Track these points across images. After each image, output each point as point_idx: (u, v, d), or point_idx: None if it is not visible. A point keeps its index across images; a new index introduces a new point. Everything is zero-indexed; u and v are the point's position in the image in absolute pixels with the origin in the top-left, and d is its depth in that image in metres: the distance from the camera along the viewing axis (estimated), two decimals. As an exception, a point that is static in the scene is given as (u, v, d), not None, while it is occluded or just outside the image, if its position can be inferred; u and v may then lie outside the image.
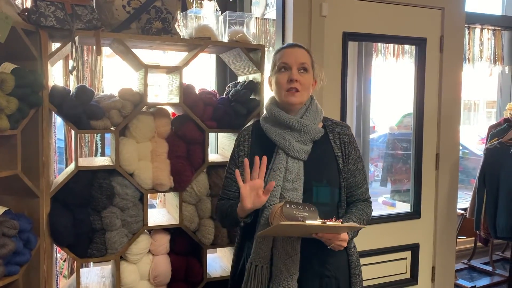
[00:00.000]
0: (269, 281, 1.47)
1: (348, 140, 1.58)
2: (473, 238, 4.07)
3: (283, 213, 1.32)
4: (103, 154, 2.61)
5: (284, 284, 1.43)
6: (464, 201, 4.68)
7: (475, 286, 3.69)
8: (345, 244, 1.40)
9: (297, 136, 1.51)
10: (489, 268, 4.04)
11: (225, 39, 2.15)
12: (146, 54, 2.32)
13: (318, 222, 1.31)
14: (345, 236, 1.39)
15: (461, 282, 3.73)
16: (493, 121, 3.88)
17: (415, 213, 2.98)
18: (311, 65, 1.56)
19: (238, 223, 1.50)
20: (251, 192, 1.40)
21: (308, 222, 1.30)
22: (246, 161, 1.44)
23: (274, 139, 1.52)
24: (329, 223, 1.31)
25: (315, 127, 1.54)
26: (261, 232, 1.35)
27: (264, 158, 1.45)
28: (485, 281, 3.85)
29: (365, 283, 2.83)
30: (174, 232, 2.13)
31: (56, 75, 2.42)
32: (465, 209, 3.87)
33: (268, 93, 2.18)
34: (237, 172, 1.43)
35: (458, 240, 3.85)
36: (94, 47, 2.38)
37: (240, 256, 1.61)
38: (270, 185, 1.41)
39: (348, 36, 2.67)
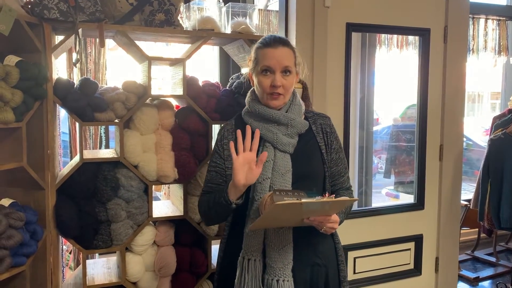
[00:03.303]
0: (263, 273, 1.46)
1: (330, 130, 1.59)
2: (477, 229, 4.07)
3: (273, 201, 1.31)
4: (107, 146, 2.62)
5: (279, 274, 1.43)
6: (468, 192, 4.67)
7: (478, 277, 3.69)
8: (336, 226, 1.41)
9: (284, 129, 1.50)
10: (492, 259, 4.05)
11: (228, 30, 2.14)
12: (149, 47, 2.32)
13: (313, 199, 1.30)
14: (335, 217, 1.39)
15: (464, 273, 3.74)
16: (497, 113, 3.86)
17: (418, 204, 2.98)
18: (295, 64, 1.52)
19: (228, 209, 1.43)
20: (244, 165, 1.38)
21: (304, 200, 1.27)
22: (239, 132, 1.42)
23: (261, 133, 1.50)
24: (324, 199, 1.30)
25: (301, 121, 1.54)
26: (253, 224, 1.34)
27: (257, 131, 1.45)
28: (489, 272, 3.86)
29: (369, 274, 2.87)
30: (179, 224, 2.15)
31: (59, 68, 2.43)
32: (469, 200, 3.87)
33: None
34: (232, 143, 1.40)
35: (461, 231, 3.84)
36: (97, 40, 2.39)
37: (228, 251, 1.58)
38: (263, 155, 1.39)
39: (351, 27, 2.66)
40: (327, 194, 1.37)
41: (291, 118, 1.51)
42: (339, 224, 1.45)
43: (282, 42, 1.50)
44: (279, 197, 1.32)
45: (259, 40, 1.54)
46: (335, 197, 1.39)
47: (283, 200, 1.29)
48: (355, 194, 3.38)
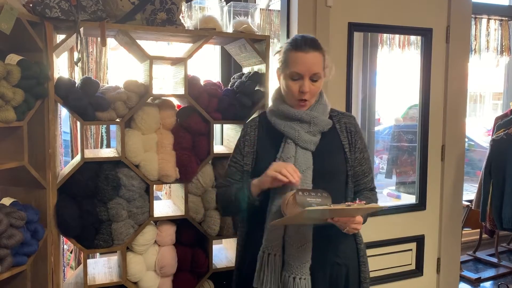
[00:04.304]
0: (281, 269, 1.47)
1: (354, 130, 1.60)
2: (479, 229, 4.06)
3: (296, 201, 1.31)
4: (108, 145, 2.62)
5: (296, 272, 1.44)
6: (469, 192, 4.66)
7: (480, 277, 3.68)
8: (360, 227, 1.42)
9: (306, 127, 1.52)
10: (494, 260, 4.04)
11: (230, 30, 2.14)
12: (151, 46, 2.32)
13: (343, 205, 1.31)
14: (360, 218, 1.40)
15: (466, 273, 3.73)
16: (500, 113, 3.85)
17: (420, 205, 2.98)
18: (323, 67, 1.52)
19: (252, 204, 1.47)
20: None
21: (333, 206, 1.30)
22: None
23: (283, 130, 1.53)
24: (354, 205, 1.31)
25: (324, 119, 1.55)
26: (276, 221, 1.36)
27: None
28: (491, 272, 3.85)
29: (370, 274, 2.85)
30: (180, 223, 2.14)
31: (61, 67, 2.43)
32: (470, 201, 3.86)
33: (273, 85, 2.18)
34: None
35: (463, 231, 3.84)
36: (99, 39, 2.39)
37: (247, 245, 1.60)
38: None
39: (353, 27, 2.65)
40: (358, 201, 1.37)
41: (313, 116, 1.52)
42: (362, 224, 1.46)
43: (313, 46, 1.49)
44: (302, 198, 1.32)
45: (289, 41, 1.53)
46: (360, 199, 1.42)
47: (306, 200, 1.30)
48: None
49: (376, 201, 1.60)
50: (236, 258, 1.67)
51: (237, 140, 1.66)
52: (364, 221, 1.49)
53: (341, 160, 1.55)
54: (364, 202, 1.37)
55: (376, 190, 1.66)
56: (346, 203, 1.34)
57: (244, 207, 1.51)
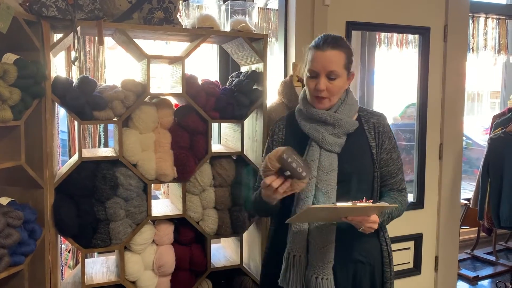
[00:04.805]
0: (305, 268, 1.50)
1: (382, 130, 1.58)
2: (477, 228, 4.07)
3: (279, 155, 1.34)
4: (106, 145, 2.62)
5: (319, 272, 1.47)
6: (467, 191, 4.67)
7: (478, 276, 3.69)
8: (375, 226, 1.41)
9: (330, 129, 1.51)
10: (492, 258, 4.05)
11: (228, 29, 2.14)
12: (148, 45, 2.31)
13: (348, 203, 1.32)
14: (375, 218, 1.40)
15: (464, 272, 3.74)
16: (497, 112, 3.85)
17: (418, 203, 2.98)
18: (345, 66, 1.50)
19: (270, 207, 1.49)
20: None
21: (338, 204, 1.32)
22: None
23: (308, 132, 1.53)
24: (359, 204, 1.32)
25: (349, 120, 1.53)
26: (291, 218, 1.39)
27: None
28: (488, 271, 3.86)
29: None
30: (178, 223, 2.14)
31: (58, 66, 2.42)
32: (468, 199, 3.86)
33: (270, 83, 2.18)
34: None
35: (461, 230, 3.84)
36: (96, 38, 2.38)
37: (274, 246, 1.64)
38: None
39: (351, 26, 2.65)
40: (364, 199, 1.38)
41: (338, 118, 1.51)
42: (383, 225, 1.49)
43: (332, 44, 1.49)
44: (287, 155, 1.32)
45: (314, 40, 1.55)
46: (380, 199, 1.44)
47: (287, 161, 1.32)
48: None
49: (403, 201, 1.58)
50: (263, 259, 1.73)
51: (267, 141, 1.68)
52: (383, 223, 1.51)
53: (368, 161, 1.54)
54: (371, 201, 1.38)
55: (407, 192, 1.65)
56: (352, 201, 1.34)
57: (268, 210, 1.55)
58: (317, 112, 1.52)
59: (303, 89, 1.61)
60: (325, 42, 1.49)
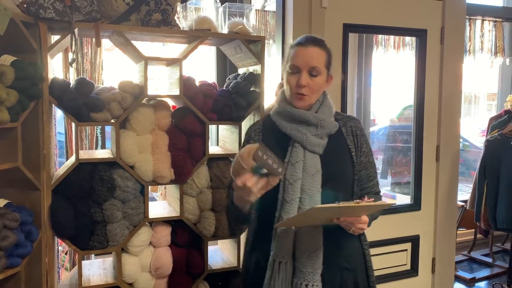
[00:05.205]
0: (292, 275, 1.44)
1: (360, 133, 1.58)
2: (473, 229, 4.08)
3: (254, 153, 1.25)
4: (103, 146, 2.61)
5: (309, 279, 1.41)
6: (464, 193, 4.68)
7: (475, 277, 3.70)
8: (365, 227, 1.40)
9: (313, 130, 1.49)
10: (489, 260, 4.06)
11: (225, 30, 2.14)
12: (146, 47, 2.31)
13: (351, 203, 1.30)
14: (365, 218, 1.39)
15: (461, 273, 3.74)
16: (494, 114, 3.87)
17: (415, 205, 2.99)
18: (326, 65, 1.49)
19: (243, 215, 1.42)
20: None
21: (342, 204, 1.28)
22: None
23: (290, 133, 1.50)
24: (362, 203, 1.29)
25: (331, 121, 1.52)
26: (282, 222, 1.34)
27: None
28: (485, 272, 3.87)
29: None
30: (175, 224, 2.14)
31: (55, 68, 2.42)
32: (465, 201, 3.87)
33: (268, 85, 2.18)
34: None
35: (458, 231, 3.86)
36: (93, 39, 2.38)
37: (254, 253, 1.56)
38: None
39: (348, 28, 2.66)
40: (366, 198, 1.36)
41: (321, 119, 1.49)
42: (368, 226, 1.45)
43: (315, 42, 1.49)
44: (262, 153, 1.25)
45: (296, 39, 1.53)
46: (368, 197, 1.40)
47: (263, 159, 1.25)
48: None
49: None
50: (242, 267, 1.63)
51: (242, 145, 1.61)
52: (369, 225, 1.47)
53: (348, 163, 1.53)
54: (372, 199, 1.35)
55: (381, 194, 1.64)
56: (355, 200, 1.32)
57: (243, 219, 1.48)
58: (300, 112, 1.49)
59: (281, 90, 1.59)
60: (307, 40, 1.49)
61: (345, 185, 1.52)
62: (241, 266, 1.64)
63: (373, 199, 1.36)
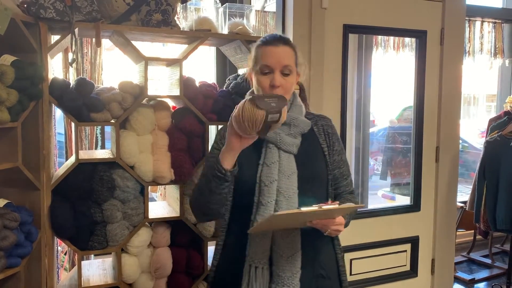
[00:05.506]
0: (269, 281, 1.38)
1: (331, 131, 1.55)
2: (473, 231, 4.08)
3: (254, 103, 1.22)
4: (103, 147, 2.61)
5: (288, 284, 1.36)
6: (464, 194, 4.68)
7: (474, 278, 3.70)
8: (342, 229, 1.36)
9: (286, 130, 1.46)
10: (488, 261, 4.06)
11: (225, 31, 2.14)
12: (146, 47, 2.31)
13: (314, 207, 1.24)
14: (341, 220, 1.34)
15: (460, 274, 3.75)
16: (493, 115, 3.87)
17: (415, 206, 2.99)
18: (295, 64, 1.47)
19: (224, 185, 1.32)
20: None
21: (303, 209, 1.22)
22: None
23: None
24: (325, 206, 1.25)
25: (303, 120, 1.50)
26: (254, 227, 1.29)
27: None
28: (484, 273, 3.87)
29: (365, 276, 2.87)
30: (175, 225, 2.14)
31: (55, 68, 2.42)
32: (464, 202, 3.88)
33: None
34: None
35: (457, 233, 3.86)
36: (93, 40, 2.38)
37: (225, 257, 1.50)
38: None
39: (348, 29, 2.66)
40: (330, 201, 1.32)
41: (293, 118, 1.47)
42: (345, 227, 1.40)
43: (283, 40, 1.47)
44: (260, 100, 1.22)
45: (260, 39, 1.50)
46: (340, 203, 1.34)
47: (264, 101, 1.22)
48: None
49: (357, 204, 1.51)
50: (210, 271, 1.56)
51: (213, 143, 1.55)
52: (346, 225, 1.43)
53: (322, 163, 1.50)
54: (338, 202, 1.31)
55: (355, 193, 1.61)
56: (318, 204, 1.26)
57: (217, 192, 1.35)
58: None
59: (249, 91, 1.55)
60: (275, 39, 1.46)
61: (320, 185, 1.49)
62: (208, 273, 1.56)
63: (337, 202, 1.31)
